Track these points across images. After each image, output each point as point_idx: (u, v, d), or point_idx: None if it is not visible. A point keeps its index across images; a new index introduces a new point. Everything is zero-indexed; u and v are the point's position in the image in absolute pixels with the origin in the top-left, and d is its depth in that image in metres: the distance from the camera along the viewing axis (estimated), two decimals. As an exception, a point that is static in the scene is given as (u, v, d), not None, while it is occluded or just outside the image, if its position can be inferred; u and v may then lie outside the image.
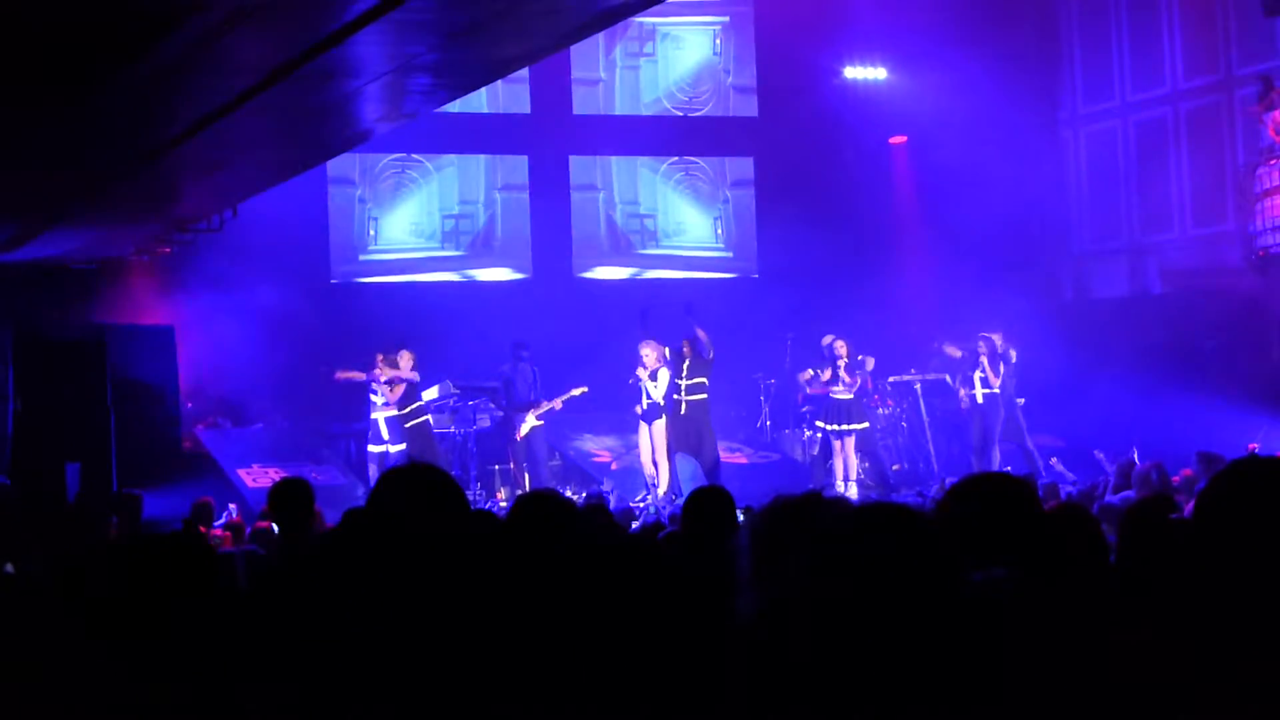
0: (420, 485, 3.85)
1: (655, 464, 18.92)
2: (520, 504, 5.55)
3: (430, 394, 20.40)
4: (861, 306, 23.20)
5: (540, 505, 5.39)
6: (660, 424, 18.93)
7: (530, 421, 19.93)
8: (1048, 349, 21.91)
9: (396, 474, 3.95)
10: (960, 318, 21.85)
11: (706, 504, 6.60)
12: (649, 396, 18.89)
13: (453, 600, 3.53)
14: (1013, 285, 23.30)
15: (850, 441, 19.81)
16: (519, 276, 24.53)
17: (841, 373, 19.88)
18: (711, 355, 19.08)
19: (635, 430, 19.42)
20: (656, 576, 3.36)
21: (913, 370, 22.22)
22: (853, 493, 19.15)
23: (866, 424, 20.21)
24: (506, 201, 24.30)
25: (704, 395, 18.95)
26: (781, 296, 23.64)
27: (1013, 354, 20.39)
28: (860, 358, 20.06)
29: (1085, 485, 15.19)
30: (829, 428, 20.01)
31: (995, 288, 23.03)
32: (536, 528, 5.13)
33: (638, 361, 18.96)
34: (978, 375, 20.42)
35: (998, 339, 20.33)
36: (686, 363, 18.92)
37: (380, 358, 19.33)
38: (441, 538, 3.71)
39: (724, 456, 19.72)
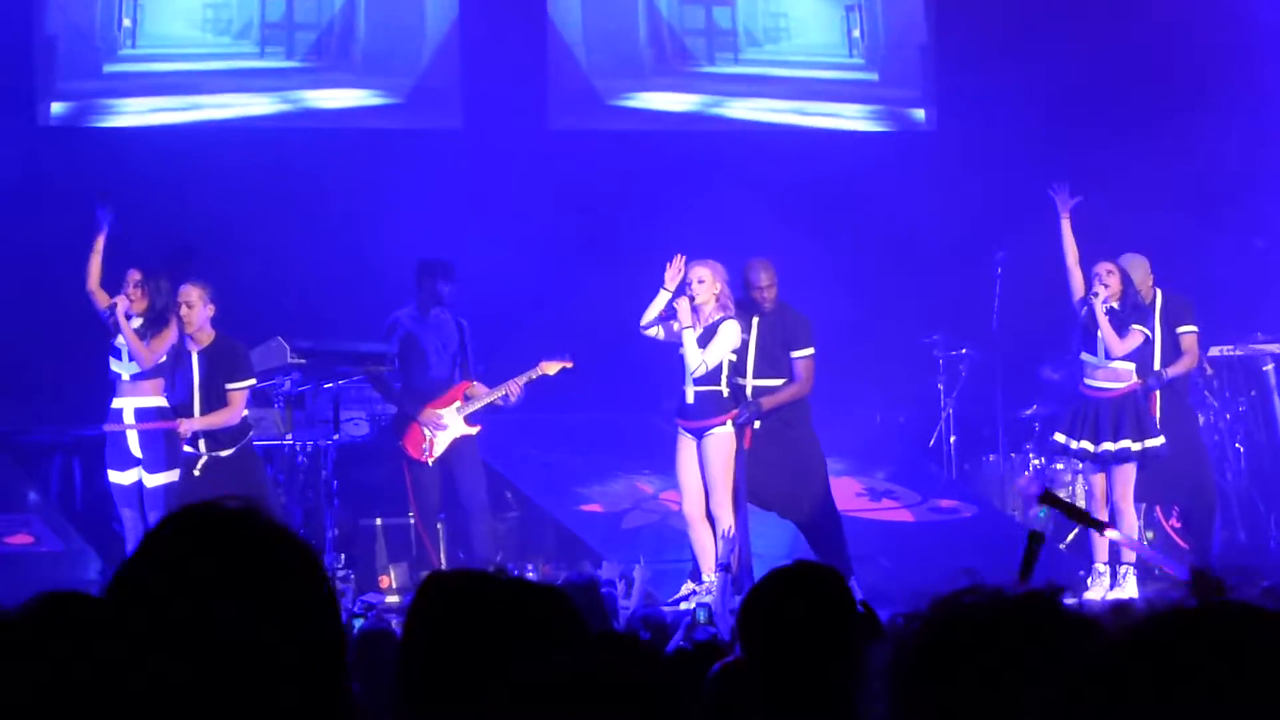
0: (229, 559, 2.63)
1: (711, 519, 12.95)
2: (423, 605, 3.55)
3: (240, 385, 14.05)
4: (1151, 202, 15.82)
5: (465, 611, 3.45)
6: (720, 438, 12.92)
7: (453, 426, 13.87)
8: None
9: (173, 532, 2.74)
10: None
11: (792, 602, 4.71)
12: (695, 377, 12.78)
13: None
14: None
15: (1124, 475, 12.85)
16: (439, 123, 17.27)
17: (1107, 331, 12.92)
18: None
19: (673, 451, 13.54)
20: None
21: (1260, 335, 15.36)
22: (1128, 588, 12.79)
23: (1159, 440, 13.12)
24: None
25: (798, 385, 13.25)
26: (979, 167, 16.70)
27: None
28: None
29: None
30: (1075, 445, 13.15)
31: None
32: (459, 660, 3.37)
33: (680, 295, 12.90)
34: None
35: None
36: (756, 320, 13.13)
37: (135, 281, 12.85)
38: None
39: (848, 505, 14.38)
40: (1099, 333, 12.73)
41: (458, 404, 13.62)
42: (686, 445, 12.79)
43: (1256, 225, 16.05)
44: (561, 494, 14.96)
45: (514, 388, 13.64)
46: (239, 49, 16.70)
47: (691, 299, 12.51)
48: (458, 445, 13.61)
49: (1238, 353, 14.90)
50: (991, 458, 15.43)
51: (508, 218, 15.79)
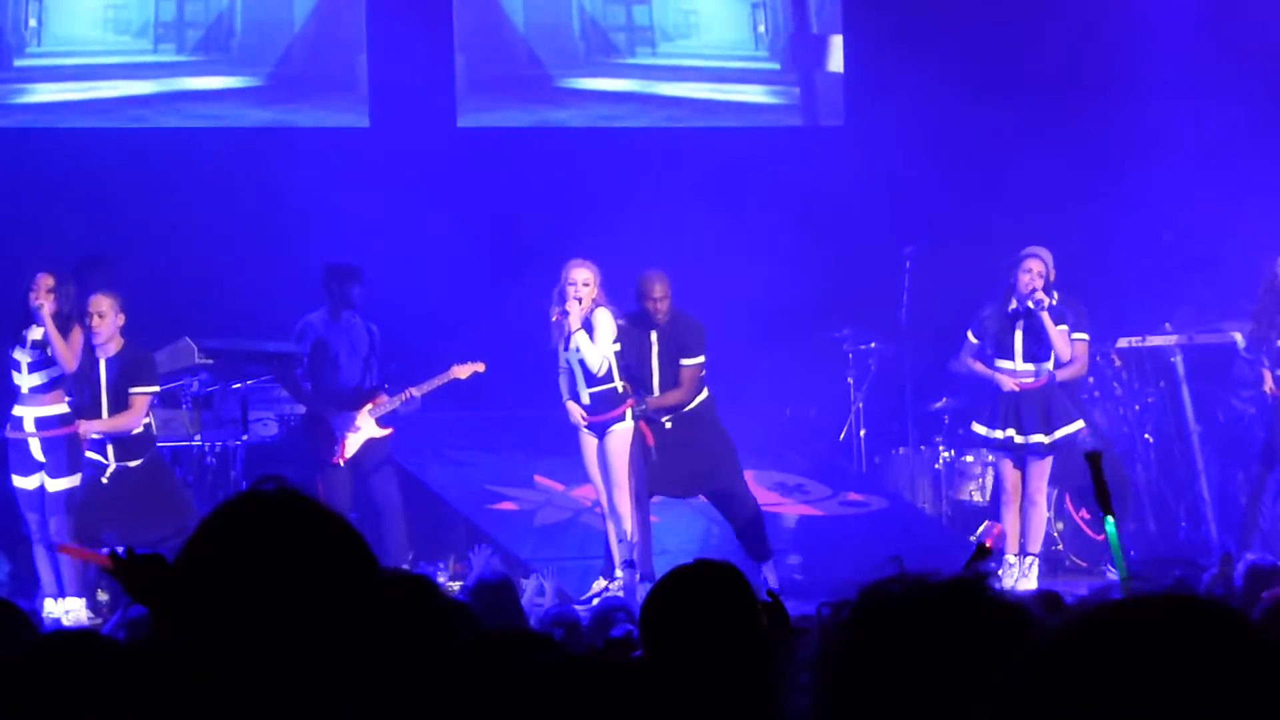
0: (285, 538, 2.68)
1: (614, 514, 12.93)
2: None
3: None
4: (1060, 196, 16.04)
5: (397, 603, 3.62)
6: (621, 433, 12.88)
7: (365, 428, 13.71)
8: None
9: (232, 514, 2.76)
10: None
11: (690, 599, 4.69)
12: (588, 374, 12.77)
13: None
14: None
15: (1039, 469, 13.01)
16: (347, 121, 16.89)
17: (1057, 335, 13.02)
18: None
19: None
20: None
21: (1168, 326, 15.30)
22: (1030, 579, 12.77)
23: (1078, 425, 13.26)
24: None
25: (680, 391, 13.21)
26: (887, 163, 16.56)
27: None
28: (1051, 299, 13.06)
29: None
30: (996, 435, 13.22)
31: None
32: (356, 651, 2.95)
33: (560, 294, 12.93)
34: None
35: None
36: (654, 334, 13.09)
37: (48, 286, 12.43)
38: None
39: (765, 500, 14.09)
40: (1021, 335, 12.60)
41: (370, 406, 13.50)
42: (590, 444, 12.77)
43: (1164, 219, 16.00)
44: (473, 492, 14.71)
45: (420, 391, 13.57)
46: (136, 45, 16.48)
47: (579, 301, 12.49)
48: (369, 447, 13.49)
49: (1146, 344, 14.81)
50: (901, 450, 15.33)
51: (416, 218, 15.48)
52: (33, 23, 16.13)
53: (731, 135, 17.04)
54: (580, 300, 12.46)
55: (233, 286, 15.04)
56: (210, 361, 13.93)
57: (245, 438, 13.80)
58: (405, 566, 12.13)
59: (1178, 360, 14.78)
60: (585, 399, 12.64)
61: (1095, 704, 1.86)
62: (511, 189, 16.20)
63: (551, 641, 7.09)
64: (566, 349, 12.70)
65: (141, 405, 12.46)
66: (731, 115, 17.58)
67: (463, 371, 13.46)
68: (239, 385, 13.98)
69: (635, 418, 12.63)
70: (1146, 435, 14.81)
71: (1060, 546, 13.80)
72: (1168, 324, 15.05)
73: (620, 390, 12.69)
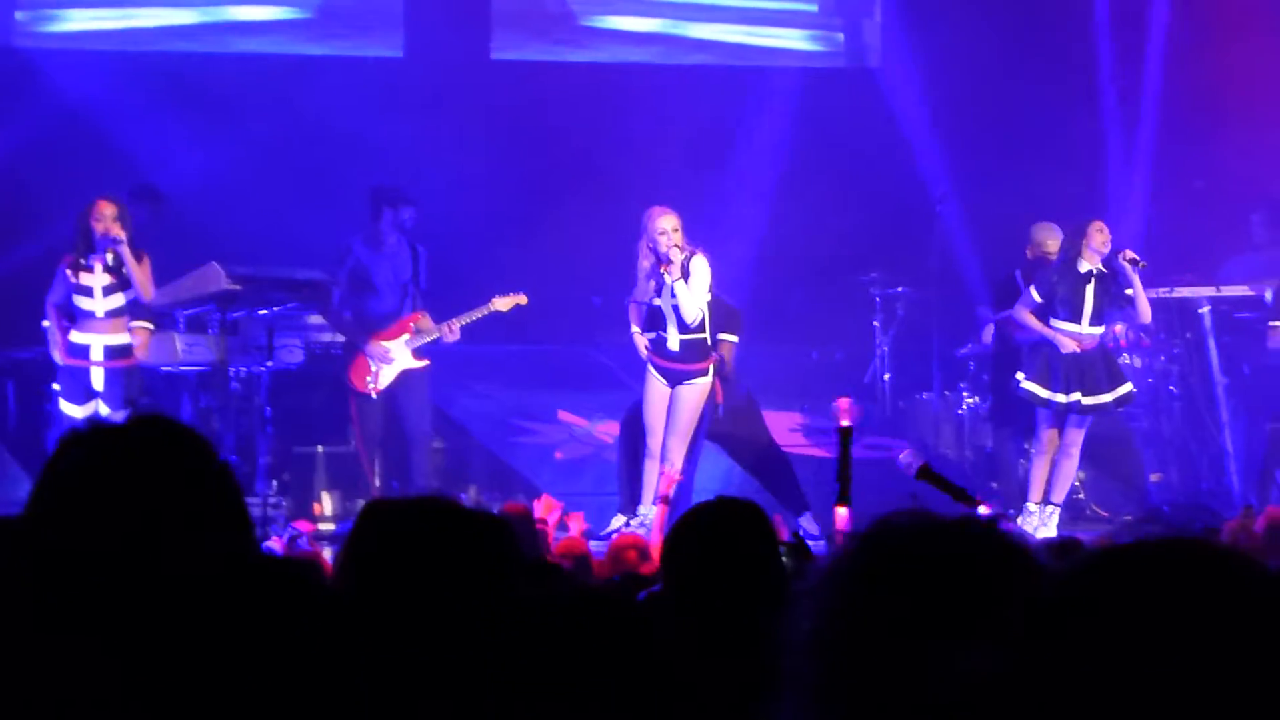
0: (151, 466, 2.78)
1: (663, 458, 12.66)
2: (366, 525, 3.58)
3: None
4: (1079, 145, 16.12)
5: (404, 529, 3.46)
6: (701, 387, 12.69)
7: (400, 359, 13.28)
8: None
9: (91, 439, 2.85)
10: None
11: (710, 535, 4.77)
12: (681, 322, 12.45)
13: None
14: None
15: (1083, 425, 12.86)
16: (379, 51, 16.58)
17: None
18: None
19: (623, 396, 13.53)
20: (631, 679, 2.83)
21: (1190, 278, 15.02)
22: (1049, 527, 12.71)
23: (1129, 388, 13.14)
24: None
25: (734, 334, 13.24)
26: (922, 108, 16.66)
27: None
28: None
29: None
30: (1059, 399, 12.89)
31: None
32: (393, 579, 3.36)
33: (643, 241, 12.54)
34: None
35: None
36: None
37: (108, 211, 12.21)
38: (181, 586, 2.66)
39: (783, 440, 14.30)
40: (1092, 297, 12.50)
41: (406, 336, 13.21)
42: (660, 387, 12.61)
43: (1197, 168, 15.86)
44: (497, 425, 14.77)
45: (457, 325, 13.27)
46: None
47: (678, 248, 12.34)
48: (404, 378, 13.27)
49: (1174, 295, 14.53)
50: (926, 395, 15.30)
51: (451, 149, 15.29)
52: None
53: (767, 75, 16.82)
54: (679, 247, 12.34)
55: (265, 213, 14.86)
56: (238, 287, 13.41)
57: (270, 364, 13.65)
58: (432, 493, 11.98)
59: (1205, 312, 14.57)
60: (674, 345, 12.49)
61: (1107, 638, 1.87)
62: (544, 123, 15.99)
63: (561, 571, 7.27)
64: (659, 295, 12.53)
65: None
66: (768, 39, 17.13)
67: (504, 304, 13.17)
68: (265, 311, 13.67)
69: (715, 375, 12.61)
70: (1172, 387, 14.68)
71: (1082, 495, 13.71)
72: (1189, 275, 14.77)
73: (709, 343, 12.66)
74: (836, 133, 15.85)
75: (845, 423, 7.48)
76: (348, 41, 16.32)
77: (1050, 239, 13.33)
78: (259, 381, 13.68)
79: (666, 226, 12.27)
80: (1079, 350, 12.52)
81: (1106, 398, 12.69)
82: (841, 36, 17.04)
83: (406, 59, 16.23)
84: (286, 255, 14.20)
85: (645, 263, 12.31)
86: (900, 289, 15.26)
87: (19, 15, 16.09)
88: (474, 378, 14.81)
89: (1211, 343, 14.53)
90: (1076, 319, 12.59)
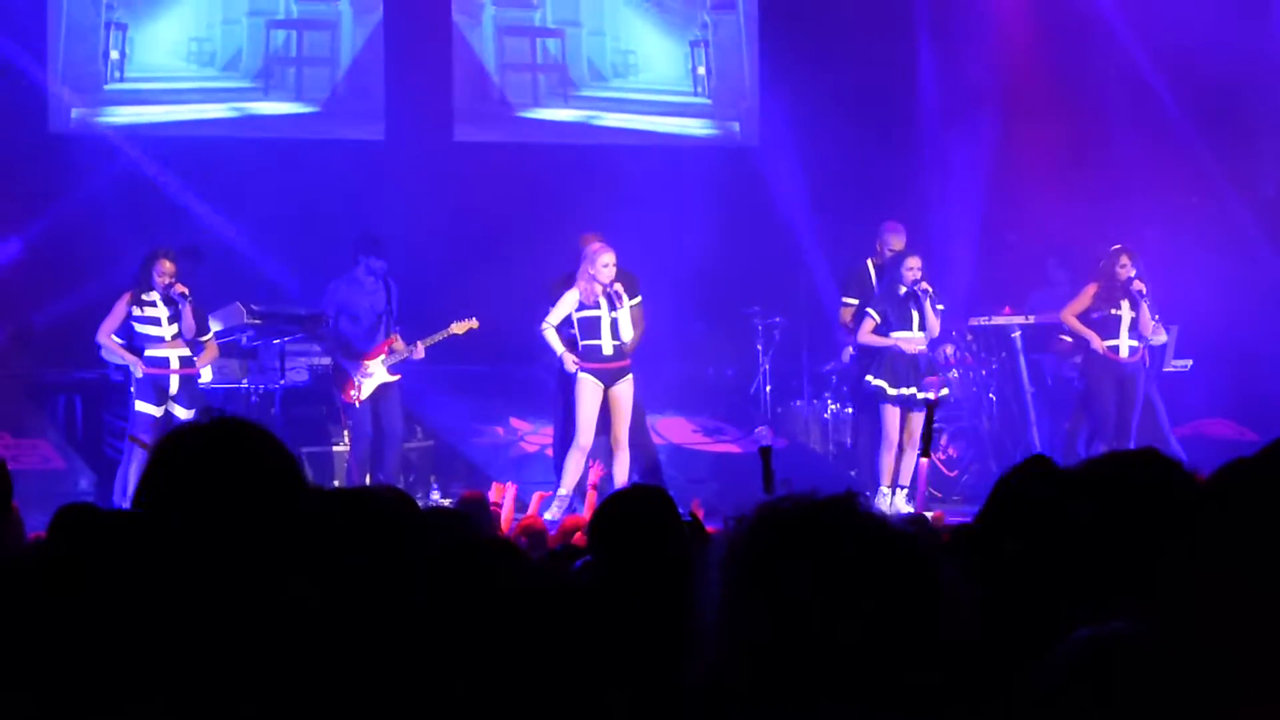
0: (243, 460, 2.89)
1: (622, 447, 13.30)
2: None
3: (214, 327, 14.11)
4: (916, 203, 16.82)
5: (367, 514, 3.38)
6: (631, 382, 13.35)
7: (377, 374, 13.75)
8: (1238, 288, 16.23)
9: (200, 433, 2.97)
10: (1097, 227, 15.51)
11: (628, 513, 4.99)
12: (615, 333, 13.13)
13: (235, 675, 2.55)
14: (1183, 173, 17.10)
15: (920, 417, 12.98)
16: (366, 136, 17.11)
17: (926, 307, 13.60)
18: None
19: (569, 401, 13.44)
20: (564, 641, 2.70)
21: (1008, 309, 15.75)
22: (899, 505, 13.32)
23: (947, 389, 14.32)
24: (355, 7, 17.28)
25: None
26: (792, 177, 17.16)
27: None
28: (921, 287, 13.67)
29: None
30: (898, 392, 13.60)
31: (1144, 172, 16.72)
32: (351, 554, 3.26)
33: (585, 265, 13.18)
34: (1125, 318, 14.07)
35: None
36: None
37: (169, 268, 13.32)
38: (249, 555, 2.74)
39: (686, 440, 15.19)
40: (916, 312, 13.39)
41: (383, 357, 13.71)
42: (595, 388, 13.14)
43: (1008, 223, 17.05)
44: (460, 428, 15.40)
45: (421, 346, 13.80)
46: (206, 74, 17.00)
47: (614, 280, 12.96)
48: (382, 390, 13.83)
49: (992, 323, 15.58)
50: (798, 403, 16.04)
51: (422, 209, 15.87)
52: (114, 55, 16.48)
53: (670, 152, 17.42)
54: (615, 280, 12.97)
55: (276, 265, 15.84)
56: (257, 321, 14.76)
57: (283, 382, 14.63)
58: (399, 485, 11.77)
59: (1017, 336, 15.48)
60: (608, 350, 13.01)
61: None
62: (493, 190, 16.52)
63: (516, 548, 7.72)
64: (595, 308, 12.97)
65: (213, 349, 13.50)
66: (670, 126, 17.78)
67: (460, 328, 13.63)
68: (278, 340, 14.76)
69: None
70: (990, 395, 15.53)
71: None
72: (1007, 306, 15.62)
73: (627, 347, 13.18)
74: (728, 197, 16.44)
75: (766, 444, 8.05)
76: (343, 128, 16.96)
77: (895, 239, 14.16)
78: (274, 396, 14.58)
79: (610, 260, 12.95)
80: (914, 352, 13.42)
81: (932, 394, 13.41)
82: (737, 125, 17.60)
83: (388, 141, 16.92)
84: (291, 297, 15.31)
85: (584, 284, 12.88)
86: (777, 319, 15.87)
87: (74, 112, 16.39)
88: (441, 390, 15.31)
89: (1022, 360, 15.46)
90: (909, 327, 13.45)
